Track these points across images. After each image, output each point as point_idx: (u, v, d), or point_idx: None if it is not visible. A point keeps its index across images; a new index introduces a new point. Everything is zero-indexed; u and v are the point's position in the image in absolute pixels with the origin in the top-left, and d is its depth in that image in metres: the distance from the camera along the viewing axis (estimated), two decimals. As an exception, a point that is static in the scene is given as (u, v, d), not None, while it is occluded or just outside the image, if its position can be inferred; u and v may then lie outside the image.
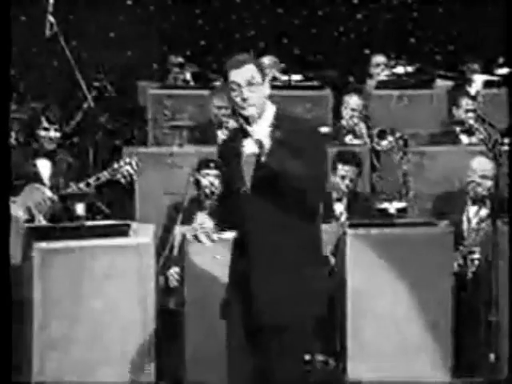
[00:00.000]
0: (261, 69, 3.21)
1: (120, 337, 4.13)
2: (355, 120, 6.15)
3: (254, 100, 3.18)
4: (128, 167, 4.59)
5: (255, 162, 3.20)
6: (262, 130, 3.14)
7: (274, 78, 6.69)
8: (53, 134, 4.71)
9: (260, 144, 3.11)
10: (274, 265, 3.16)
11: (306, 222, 3.18)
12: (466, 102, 6.00)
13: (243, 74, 3.17)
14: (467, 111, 5.96)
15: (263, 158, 3.11)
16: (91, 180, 4.61)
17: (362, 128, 6.14)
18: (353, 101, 6.23)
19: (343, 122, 6.13)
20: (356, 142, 6.11)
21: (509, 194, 4.63)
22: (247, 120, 3.18)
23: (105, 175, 4.61)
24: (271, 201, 3.15)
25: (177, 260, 4.59)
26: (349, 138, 6.13)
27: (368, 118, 6.33)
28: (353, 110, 6.20)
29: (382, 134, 6.00)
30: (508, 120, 5.18)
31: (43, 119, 4.71)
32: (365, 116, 6.28)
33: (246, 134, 3.18)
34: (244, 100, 3.17)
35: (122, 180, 4.60)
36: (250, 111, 3.17)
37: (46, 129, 4.71)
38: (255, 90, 3.18)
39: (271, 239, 3.16)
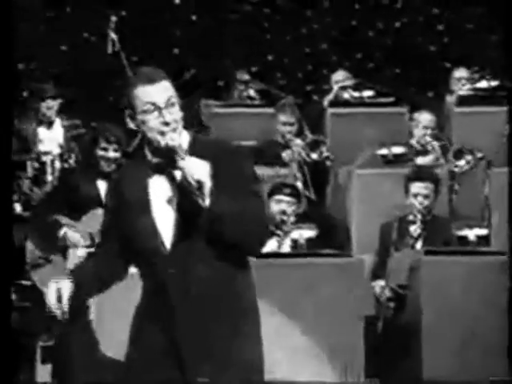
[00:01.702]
0: (173, 89, 2.61)
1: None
2: (427, 139, 6.09)
3: (175, 125, 2.58)
4: None
5: (179, 209, 2.60)
6: (201, 167, 2.56)
7: (346, 87, 6.66)
8: (112, 154, 4.75)
9: (199, 184, 2.54)
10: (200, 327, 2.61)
11: (238, 271, 2.65)
12: None
13: (161, 91, 2.57)
14: None
15: (205, 202, 2.54)
16: None
17: (435, 147, 6.07)
18: (423, 118, 6.18)
19: (413, 142, 6.07)
20: (427, 160, 6.04)
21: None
22: (173, 152, 2.55)
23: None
24: (199, 258, 2.60)
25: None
26: (420, 159, 6.06)
27: (444, 137, 6.25)
28: (425, 127, 6.15)
29: (458, 154, 5.91)
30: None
31: (101, 139, 4.76)
32: (438, 134, 6.21)
33: (161, 168, 2.58)
34: (166, 124, 2.56)
35: None
36: (174, 140, 2.56)
37: (104, 149, 4.75)
38: (175, 112, 2.59)
39: (197, 304, 2.61)
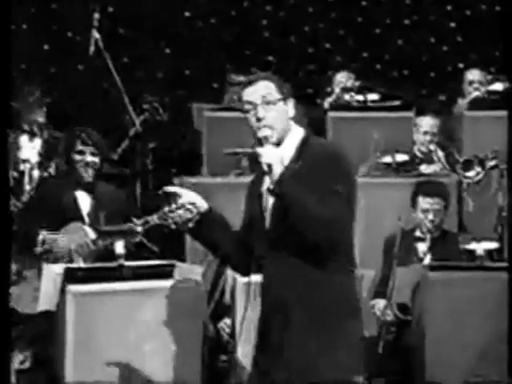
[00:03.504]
0: (280, 86, 3.14)
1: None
2: (431, 147, 6.07)
3: (271, 121, 3.11)
4: (181, 211, 4.55)
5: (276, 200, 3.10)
6: (273, 153, 3.04)
7: (348, 89, 6.67)
8: (89, 158, 4.69)
9: (269, 168, 3.01)
10: (296, 318, 3.07)
11: (320, 266, 3.06)
12: None
13: (257, 90, 3.13)
14: None
15: (271, 186, 3.02)
16: (138, 223, 4.62)
17: (440, 156, 6.06)
18: (425, 122, 6.16)
19: (415, 149, 6.06)
20: (431, 170, 6.03)
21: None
22: (260, 142, 3.11)
23: (154, 219, 4.61)
24: (288, 241, 3.07)
25: (228, 309, 4.62)
26: (423, 168, 6.05)
27: (450, 144, 6.24)
28: (425, 133, 6.14)
29: (467, 165, 5.90)
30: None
31: (77, 142, 4.70)
32: (443, 142, 6.20)
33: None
34: (259, 119, 3.10)
35: (173, 226, 4.60)
36: (264, 132, 3.10)
37: (81, 152, 4.70)
38: (272, 109, 3.11)
39: (289, 290, 3.08)
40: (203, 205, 3.24)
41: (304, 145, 3.13)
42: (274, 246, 3.10)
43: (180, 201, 3.22)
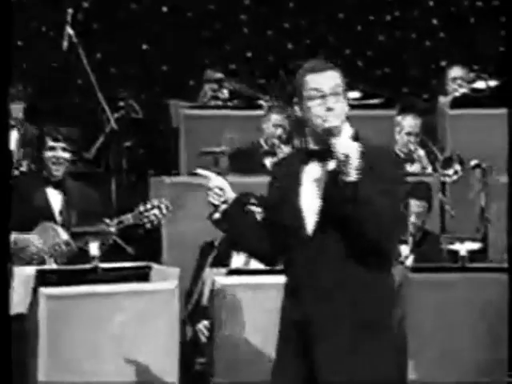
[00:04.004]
0: (343, 79, 3.10)
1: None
2: (412, 147, 6.10)
3: (338, 112, 3.06)
4: (156, 211, 4.58)
5: (324, 192, 3.05)
6: (349, 144, 2.97)
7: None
8: (60, 153, 4.70)
9: (346, 159, 2.93)
10: (338, 321, 3.02)
11: (379, 271, 3.05)
12: None
13: (327, 80, 3.06)
14: None
15: (350, 177, 2.93)
16: (112, 223, 4.62)
17: (421, 156, 6.09)
18: (407, 122, 6.19)
19: (396, 149, 6.09)
20: (414, 168, 6.07)
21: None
22: (329, 132, 3.03)
23: (128, 219, 4.60)
24: (341, 242, 3.01)
25: (206, 311, 4.62)
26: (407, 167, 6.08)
27: (431, 143, 6.27)
28: (408, 134, 6.17)
29: (446, 163, 5.94)
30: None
31: (47, 138, 4.72)
32: (424, 140, 6.23)
33: (317, 154, 3.05)
34: (329, 109, 3.03)
35: (148, 225, 4.62)
36: (333, 122, 3.03)
37: (52, 148, 4.70)
38: (339, 101, 3.06)
39: (336, 292, 3.03)
40: (231, 193, 3.16)
41: (355, 141, 3.08)
42: (318, 247, 3.03)
43: (209, 184, 3.15)
